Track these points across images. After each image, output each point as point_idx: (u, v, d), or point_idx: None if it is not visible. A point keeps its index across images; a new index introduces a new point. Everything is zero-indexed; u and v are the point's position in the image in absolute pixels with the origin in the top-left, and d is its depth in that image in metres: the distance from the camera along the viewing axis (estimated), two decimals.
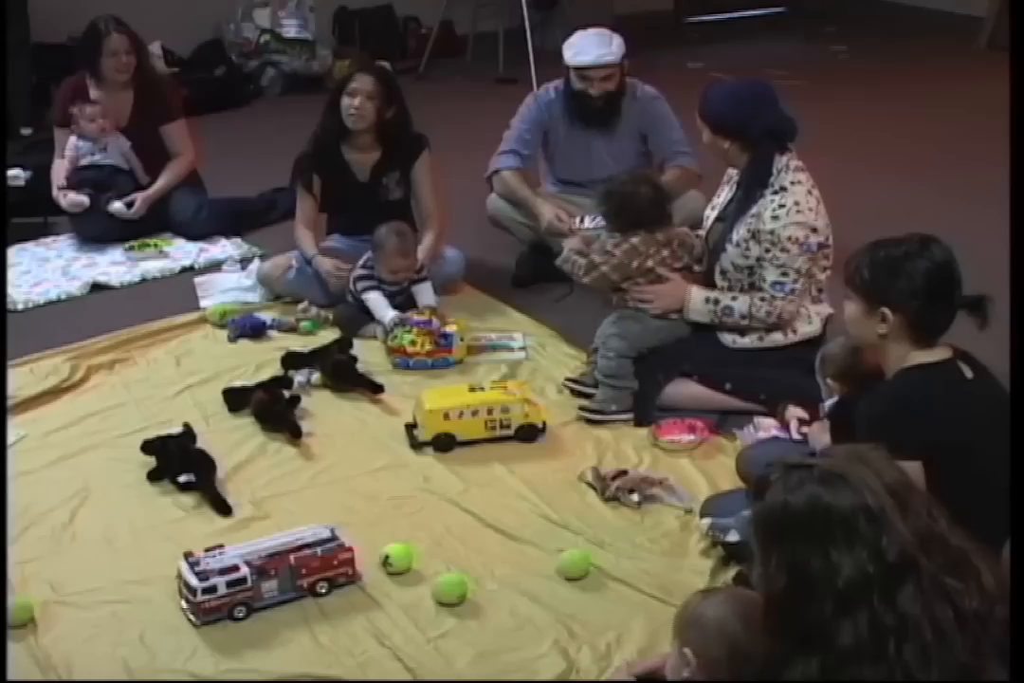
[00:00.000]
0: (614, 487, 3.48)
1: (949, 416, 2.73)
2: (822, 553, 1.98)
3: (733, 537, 3.09)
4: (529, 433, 3.80)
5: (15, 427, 3.91)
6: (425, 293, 4.56)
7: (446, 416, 3.74)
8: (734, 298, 3.89)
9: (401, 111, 4.68)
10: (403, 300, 4.52)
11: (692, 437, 3.78)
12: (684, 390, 3.94)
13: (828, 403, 3.31)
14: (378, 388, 4.10)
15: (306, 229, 4.77)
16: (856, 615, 1.95)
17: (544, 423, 3.83)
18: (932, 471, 2.68)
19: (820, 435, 3.22)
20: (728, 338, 3.94)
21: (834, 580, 1.96)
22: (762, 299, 3.83)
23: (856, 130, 6.85)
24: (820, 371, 3.37)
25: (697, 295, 3.94)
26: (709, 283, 3.97)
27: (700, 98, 3.87)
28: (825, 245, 3.77)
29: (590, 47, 4.68)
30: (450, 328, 4.33)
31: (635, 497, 3.45)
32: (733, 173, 3.99)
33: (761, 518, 2.10)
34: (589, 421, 3.92)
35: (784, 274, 3.77)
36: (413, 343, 4.27)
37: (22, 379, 4.17)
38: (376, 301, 4.48)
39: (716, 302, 3.91)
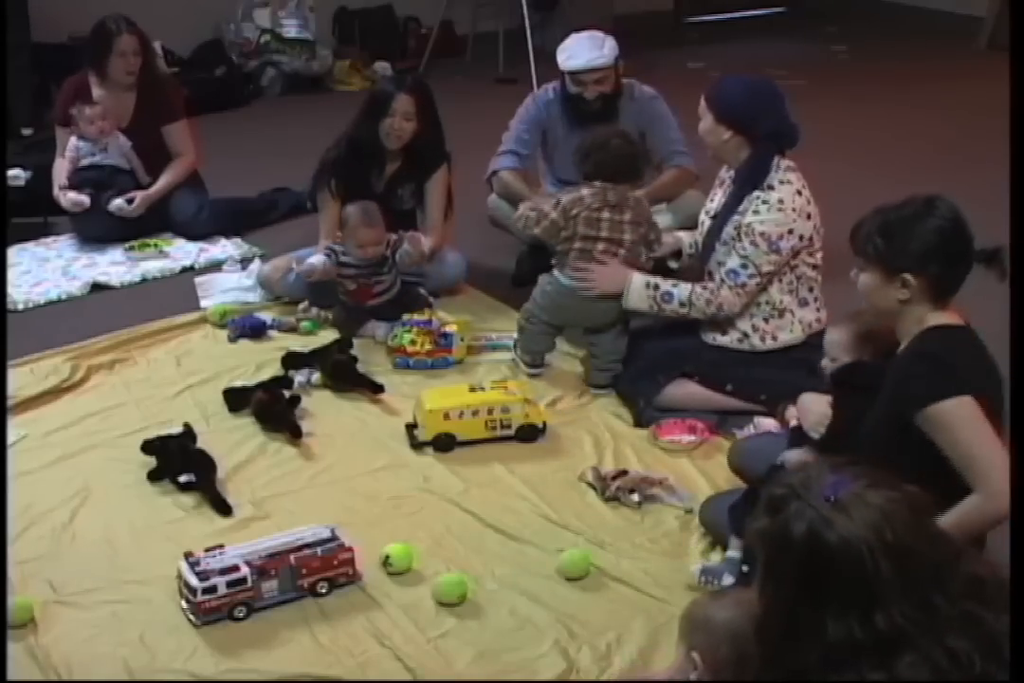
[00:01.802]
0: (614, 487, 3.48)
1: (982, 370, 2.72)
2: (814, 604, 1.92)
3: (728, 580, 3.04)
4: (529, 433, 3.79)
5: (15, 427, 3.91)
6: (414, 242, 4.52)
7: (446, 416, 3.74)
8: (675, 284, 3.92)
9: (434, 126, 4.67)
10: (392, 283, 4.53)
11: (692, 437, 3.78)
12: (684, 390, 3.94)
13: (833, 366, 3.18)
14: (378, 388, 4.10)
15: (332, 243, 4.74)
16: (844, 674, 1.90)
17: (544, 423, 3.83)
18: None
19: (818, 404, 3.12)
20: (708, 336, 3.97)
21: (822, 635, 1.91)
22: (703, 288, 3.86)
23: (856, 130, 6.86)
24: (854, 350, 3.18)
25: (638, 280, 3.96)
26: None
27: (713, 84, 3.83)
28: (808, 246, 3.77)
29: (582, 51, 4.67)
30: (450, 328, 4.33)
31: (635, 497, 3.45)
32: (725, 176, 3.98)
33: (764, 542, 2.03)
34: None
35: (743, 266, 3.77)
36: (413, 342, 4.27)
37: (22, 379, 4.17)
38: (312, 256, 4.49)
39: (656, 287, 3.93)
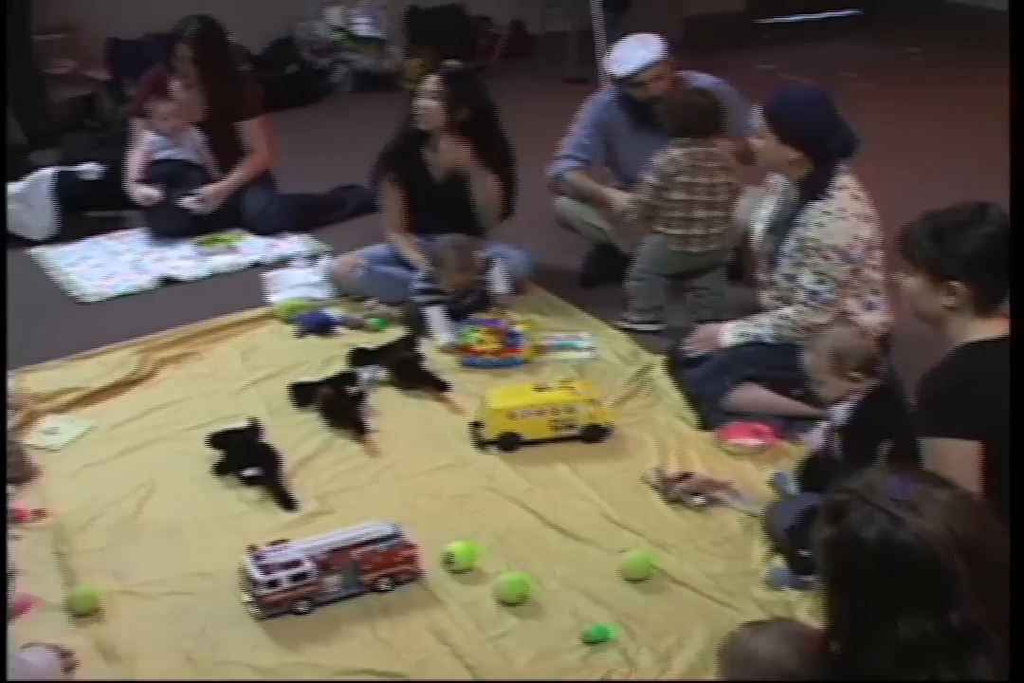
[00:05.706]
0: (678, 489, 3.46)
1: (1003, 396, 2.64)
2: (887, 608, 1.91)
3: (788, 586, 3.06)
4: (594, 433, 3.79)
5: (83, 419, 3.96)
6: (497, 281, 4.58)
7: (511, 415, 3.74)
8: (758, 325, 3.94)
9: (480, 113, 4.67)
10: (473, 301, 4.52)
11: (757, 441, 3.75)
12: (750, 395, 3.91)
13: (838, 410, 3.31)
14: (443, 386, 4.10)
15: (399, 234, 4.78)
16: (916, 673, 1.88)
17: (609, 424, 3.82)
18: (984, 454, 2.64)
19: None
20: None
21: (895, 636, 1.89)
22: (782, 318, 3.85)
23: (928, 133, 6.77)
24: (835, 368, 3.30)
25: (728, 335, 4.00)
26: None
27: (769, 102, 3.77)
28: (874, 247, 3.74)
29: (631, 53, 4.64)
30: (517, 327, 4.33)
31: (699, 500, 3.44)
32: (776, 182, 3.95)
33: (832, 551, 2.00)
34: (623, 329, 4.54)
35: (821, 282, 3.74)
36: (481, 342, 4.27)
37: (91, 371, 4.22)
38: (436, 320, 4.47)
39: (744, 335, 3.97)
